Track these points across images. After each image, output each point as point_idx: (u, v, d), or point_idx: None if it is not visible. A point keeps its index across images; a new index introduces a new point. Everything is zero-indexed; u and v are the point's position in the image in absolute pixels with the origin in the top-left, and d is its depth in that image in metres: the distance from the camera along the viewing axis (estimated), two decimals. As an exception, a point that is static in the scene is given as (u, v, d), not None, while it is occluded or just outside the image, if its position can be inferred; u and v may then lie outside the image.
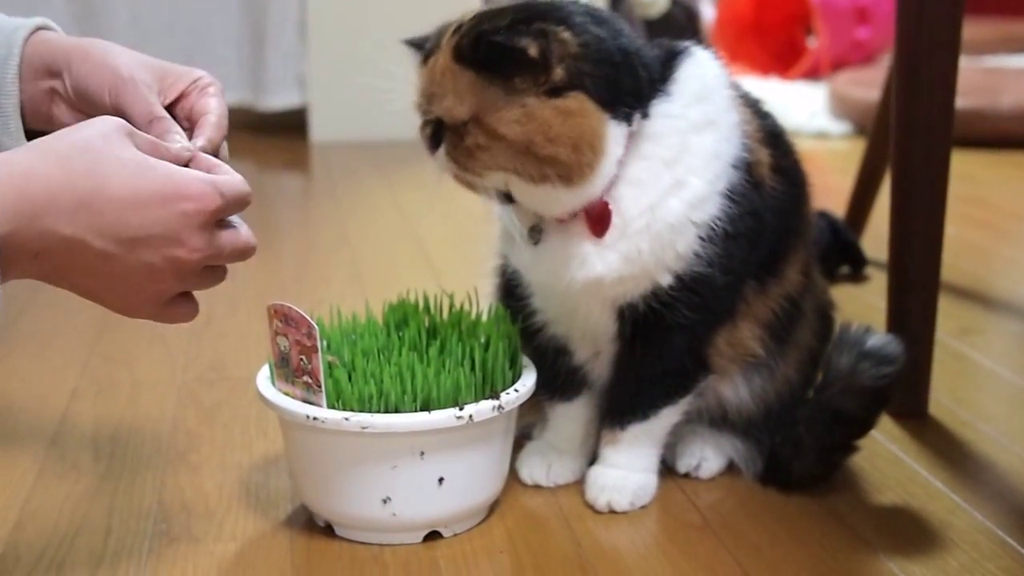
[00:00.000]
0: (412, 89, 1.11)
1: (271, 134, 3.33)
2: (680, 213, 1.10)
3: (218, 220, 0.95)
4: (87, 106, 1.05)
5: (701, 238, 1.11)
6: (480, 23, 1.07)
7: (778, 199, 1.17)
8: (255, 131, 3.32)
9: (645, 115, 1.10)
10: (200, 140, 1.03)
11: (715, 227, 1.11)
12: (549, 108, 1.04)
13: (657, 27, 4.00)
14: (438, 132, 1.09)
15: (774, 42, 4.18)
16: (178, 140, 1.01)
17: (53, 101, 1.06)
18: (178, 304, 0.99)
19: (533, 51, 1.03)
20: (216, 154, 1.03)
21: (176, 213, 0.92)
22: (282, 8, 3.27)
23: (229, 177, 0.97)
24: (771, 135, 1.19)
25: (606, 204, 1.10)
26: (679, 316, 1.13)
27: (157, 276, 0.93)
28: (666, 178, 1.10)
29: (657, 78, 1.12)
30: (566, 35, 1.05)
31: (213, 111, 1.05)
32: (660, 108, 1.11)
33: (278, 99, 3.31)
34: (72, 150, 0.90)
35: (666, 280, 1.12)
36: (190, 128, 1.05)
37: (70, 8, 3.20)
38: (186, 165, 0.97)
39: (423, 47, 1.12)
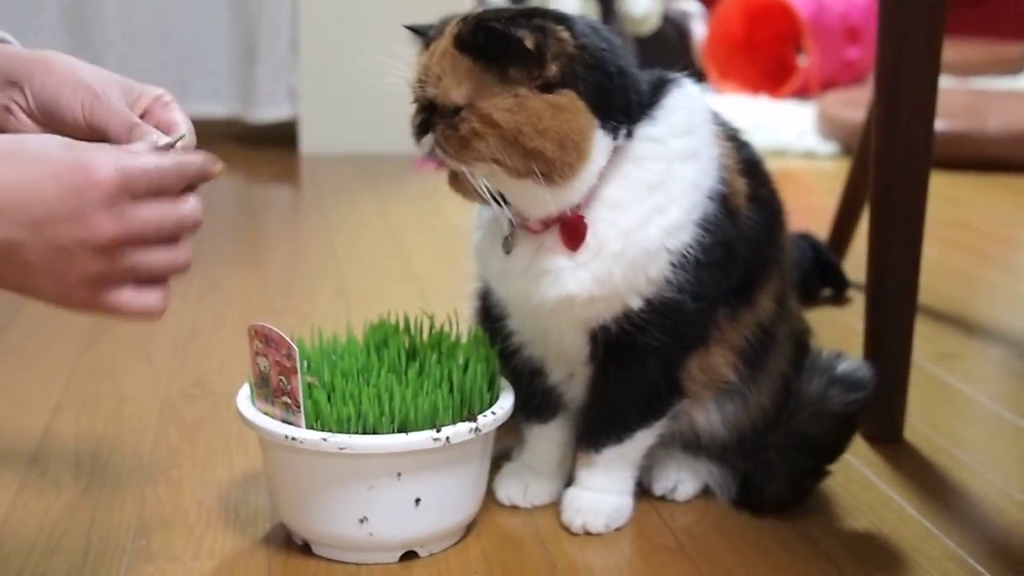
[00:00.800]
0: (408, 71, 1.12)
1: (261, 146, 3.34)
2: (656, 239, 1.11)
3: (137, 195, 0.91)
4: (53, 119, 1.03)
5: (673, 265, 1.12)
6: (484, 14, 1.09)
7: (753, 228, 1.18)
8: (245, 143, 3.34)
9: (630, 135, 1.12)
10: (181, 128, 1.01)
11: (687, 255, 1.12)
12: (540, 101, 1.06)
13: (648, 44, 4.02)
14: (428, 120, 1.10)
15: (764, 60, 4.20)
16: (156, 139, 0.99)
17: (11, 112, 1.03)
18: (122, 292, 0.92)
19: (529, 42, 1.05)
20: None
21: (70, 189, 0.88)
22: (274, 21, 3.29)
23: (136, 148, 0.93)
24: (749, 165, 1.21)
25: (581, 218, 1.12)
26: (650, 339, 1.14)
27: (75, 259, 0.89)
28: (648, 203, 1.12)
29: (646, 102, 1.14)
30: (565, 35, 1.08)
31: (181, 120, 1.04)
32: (645, 131, 1.13)
33: (269, 111, 3.32)
34: None
35: (636, 304, 1.13)
36: None
37: (62, 19, 3.22)
38: None
39: (425, 34, 1.14)
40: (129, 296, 0.93)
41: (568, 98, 1.07)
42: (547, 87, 1.07)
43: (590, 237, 1.12)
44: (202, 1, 3.31)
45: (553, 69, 1.07)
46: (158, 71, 3.29)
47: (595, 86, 1.09)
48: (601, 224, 1.12)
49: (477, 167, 1.09)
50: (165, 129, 1.03)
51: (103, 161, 0.89)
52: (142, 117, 1.05)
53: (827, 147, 3.36)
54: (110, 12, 3.23)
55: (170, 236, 0.94)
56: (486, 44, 1.07)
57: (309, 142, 3.30)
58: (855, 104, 3.27)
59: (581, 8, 3.80)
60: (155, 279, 0.94)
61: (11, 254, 0.89)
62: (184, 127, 1.03)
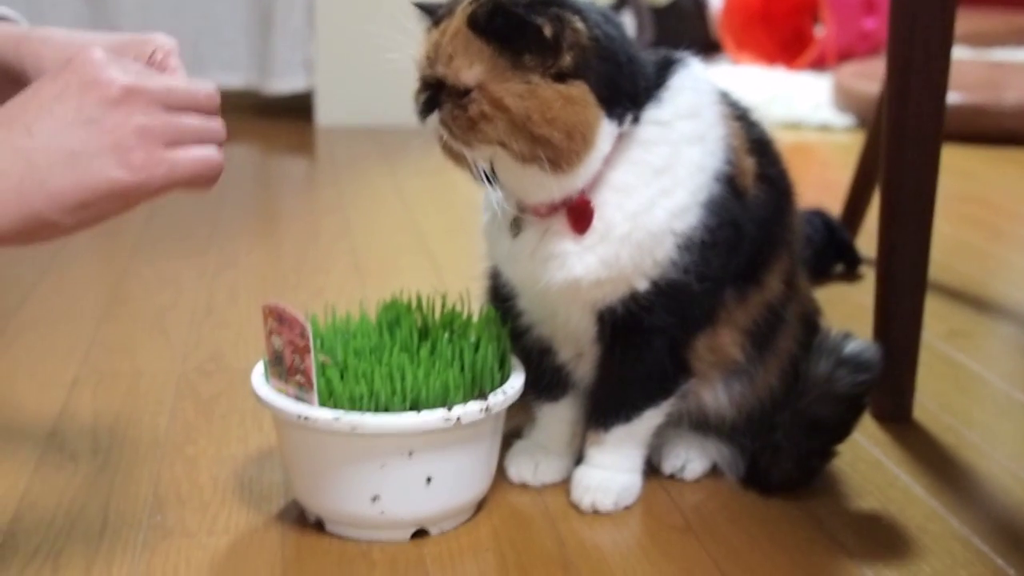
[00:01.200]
0: (417, 48, 1.13)
1: (277, 117, 3.35)
2: (662, 222, 1.12)
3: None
4: None
5: (679, 247, 1.13)
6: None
7: (761, 207, 1.19)
8: (261, 114, 3.35)
9: (636, 120, 1.12)
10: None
11: (694, 236, 1.13)
12: (552, 90, 1.07)
13: (665, 15, 4.01)
14: (434, 98, 1.11)
15: (781, 31, 4.18)
16: None
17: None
18: (178, 148, 0.95)
19: (547, 31, 1.06)
20: None
21: (66, 72, 0.93)
22: (290, -8, 3.29)
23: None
24: (758, 143, 1.21)
25: (588, 202, 1.12)
26: (657, 319, 1.15)
27: (110, 120, 0.92)
28: (655, 186, 1.13)
29: (652, 85, 1.14)
30: (580, 25, 1.08)
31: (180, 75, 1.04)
32: (651, 115, 1.13)
33: (285, 83, 3.33)
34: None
35: (643, 286, 1.14)
36: None
37: (80, -9, 3.23)
38: None
39: (434, 12, 1.14)
40: (186, 150, 0.96)
41: (579, 90, 1.08)
42: (560, 76, 1.07)
43: (597, 221, 1.12)
44: (218, -28, 3.32)
45: (567, 59, 1.07)
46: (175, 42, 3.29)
47: (605, 77, 1.09)
48: (608, 208, 1.12)
49: (482, 149, 1.10)
50: None
51: (88, 48, 0.94)
52: None
53: (843, 120, 3.34)
54: (126, -16, 3.24)
55: (185, 105, 0.96)
56: (503, 28, 1.07)
57: (325, 114, 3.31)
58: (871, 76, 3.25)
59: (597, -21, 3.79)
60: (200, 141, 0.97)
61: (55, 156, 0.91)
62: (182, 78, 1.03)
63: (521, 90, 1.07)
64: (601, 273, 1.13)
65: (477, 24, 1.08)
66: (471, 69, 1.08)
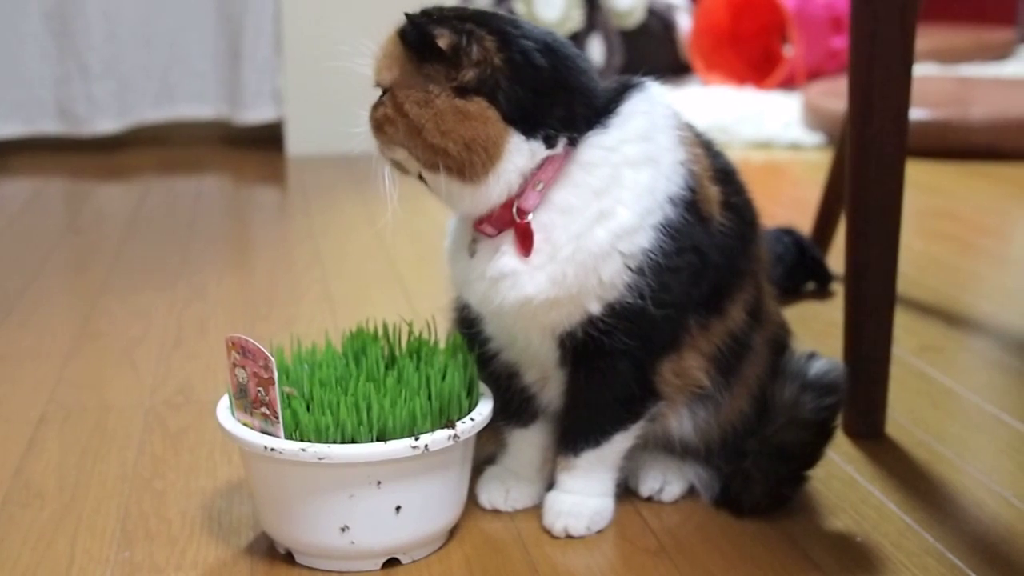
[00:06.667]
0: None
1: (247, 148, 3.34)
2: (605, 242, 1.12)
3: None
4: None
5: (630, 268, 1.13)
6: (428, 10, 1.13)
7: (727, 235, 1.18)
8: (232, 145, 3.34)
9: (573, 143, 1.12)
10: None
11: (649, 259, 1.13)
12: (449, 103, 1.09)
13: (634, 37, 4.02)
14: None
15: (750, 51, 4.20)
16: None
17: None
18: None
19: (443, 43, 1.08)
20: None
21: None
22: (258, 23, 3.29)
23: None
24: (723, 173, 1.21)
25: (528, 224, 1.13)
26: (618, 343, 1.15)
27: None
28: (594, 206, 1.12)
29: (599, 111, 1.14)
30: (490, 44, 1.09)
31: None
32: (595, 139, 1.13)
33: (254, 113, 3.32)
34: None
35: (595, 308, 1.14)
36: None
37: (46, 25, 3.21)
38: None
39: None
40: None
41: (478, 106, 1.09)
42: (462, 91, 1.09)
43: (544, 242, 1.13)
44: (186, 4, 3.31)
45: (469, 74, 1.09)
46: (143, 74, 3.29)
47: (517, 99, 1.10)
48: (555, 229, 1.13)
49: (393, 151, 1.15)
50: None
51: None
52: None
53: (813, 138, 3.35)
54: (94, 16, 3.23)
55: None
56: (411, 37, 1.11)
57: (295, 144, 3.30)
58: (840, 95, 3.23)
59: (565, 4, 3.80)
60: None
61: None
62: None
63: (419, 98, 1.10)
64: (551, 292, 1.13)
65: (400, 33, 1.13)
66: (389, 72, 1.13)
